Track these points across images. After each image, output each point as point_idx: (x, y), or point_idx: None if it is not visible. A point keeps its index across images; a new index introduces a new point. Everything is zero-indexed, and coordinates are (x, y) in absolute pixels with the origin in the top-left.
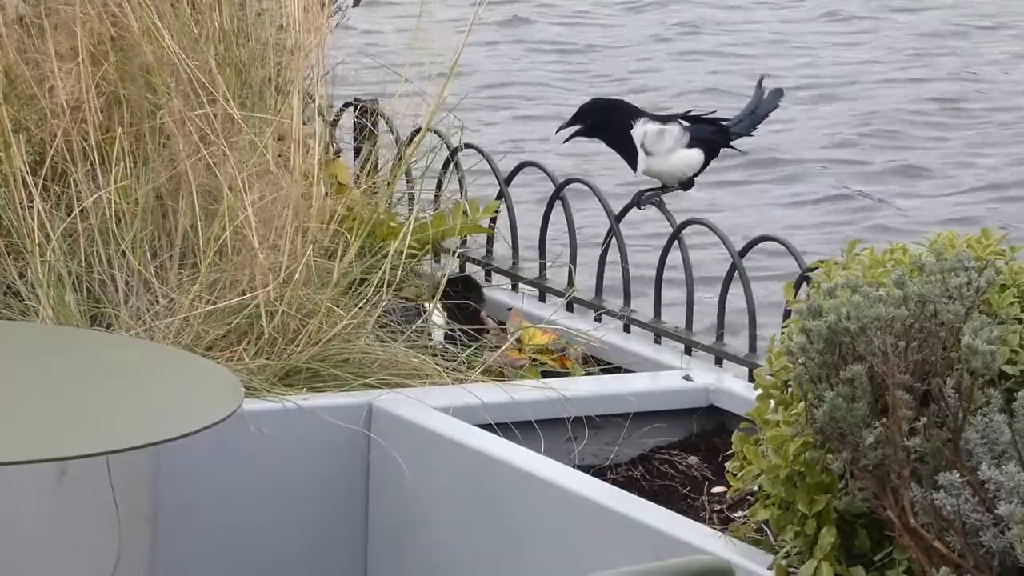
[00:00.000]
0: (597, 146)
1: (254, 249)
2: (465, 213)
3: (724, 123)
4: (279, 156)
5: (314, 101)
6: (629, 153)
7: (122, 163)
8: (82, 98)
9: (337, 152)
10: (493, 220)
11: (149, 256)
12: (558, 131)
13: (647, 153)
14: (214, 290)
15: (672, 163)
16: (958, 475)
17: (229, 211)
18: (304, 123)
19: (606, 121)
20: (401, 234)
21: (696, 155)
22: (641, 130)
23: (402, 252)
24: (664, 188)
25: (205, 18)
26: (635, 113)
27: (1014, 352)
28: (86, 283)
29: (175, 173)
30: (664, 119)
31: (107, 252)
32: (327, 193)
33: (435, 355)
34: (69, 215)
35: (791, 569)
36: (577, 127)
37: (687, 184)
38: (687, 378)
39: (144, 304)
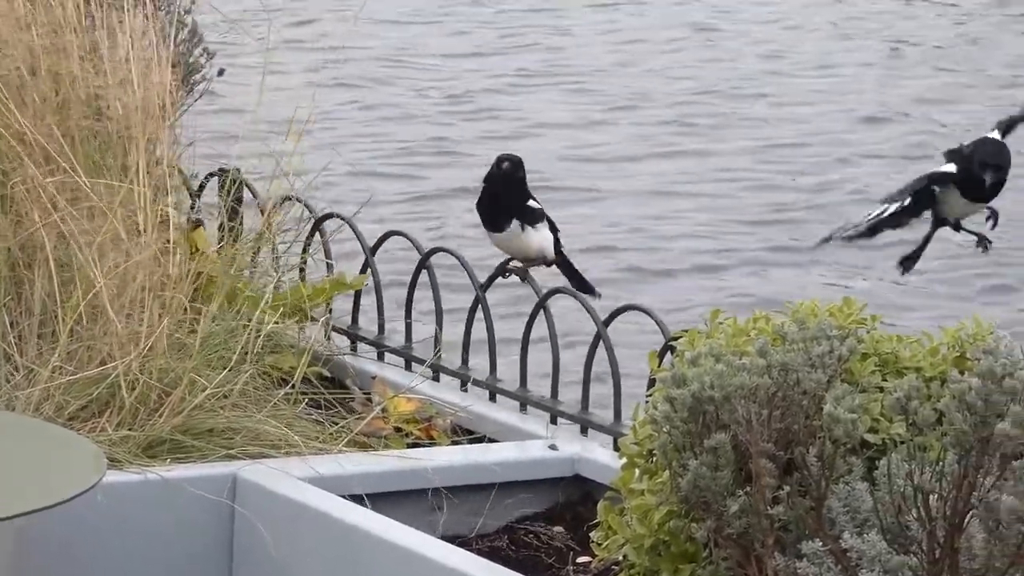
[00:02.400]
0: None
1: (111, 318)
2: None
3: None
4: (136, 224)
5: (176, 170)
6: (501, 212)
7: None
8: None
9: (199, 221)
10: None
11: (8, 326)
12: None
13: (533, 226)
14: (74, 360)
15: (547, 239)
16: (821, 543)
17: (83, 280)
18: (166, 192)
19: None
20: (263, 302)
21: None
22: (535, 205)
23: (265, 320)
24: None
25: (61, 85)
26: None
27: (875, 421)
28: None
29: (29, 242)
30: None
31: None
32: (186, 261)
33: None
34: None
35: None
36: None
37: (551, 262)
38: (552, 447)
39: (3, 375)
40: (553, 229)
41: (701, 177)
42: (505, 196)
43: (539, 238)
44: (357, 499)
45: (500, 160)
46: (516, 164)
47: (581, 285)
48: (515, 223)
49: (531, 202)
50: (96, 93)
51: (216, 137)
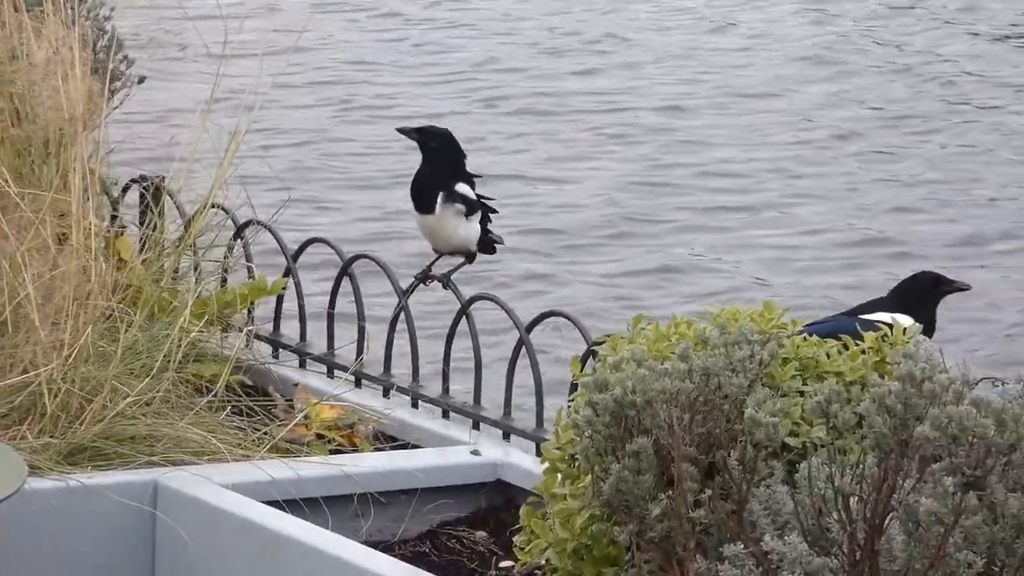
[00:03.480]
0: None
1: (35, 326)
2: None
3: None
4: (61, 233)
5: (97, 177)
6: (430, 191)
7: None
8: None
9: (122, 229)
10: (280, 297)
11: None
12: (398, 129)
13: (465, 215)
14: None
15: (473, 230)
16: (742, 546)
17: (8, 288)
18: (89, 200)
19: (442, 154)
20: (186, 310)
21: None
22: (464, 189)
23: (186, 328)
24: (462, 264)
25: None
26: (460, 171)
27: (796, 424)
28: None
29: None
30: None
31: None
32: (110, 269)
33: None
34: None
35: None
36: (416, 139)
37: (473, 256)
38: (475, 453)
39: None
40: (487, 215)
41: None
42: (432, 176)
43: (465, 228)
44: (280, 505)
45: (420, 132)
46: (430, 136)
47: (485, 246)
48: (441, 206)
49: (461, 185)
50: (17, 99)
51: (137, 144)
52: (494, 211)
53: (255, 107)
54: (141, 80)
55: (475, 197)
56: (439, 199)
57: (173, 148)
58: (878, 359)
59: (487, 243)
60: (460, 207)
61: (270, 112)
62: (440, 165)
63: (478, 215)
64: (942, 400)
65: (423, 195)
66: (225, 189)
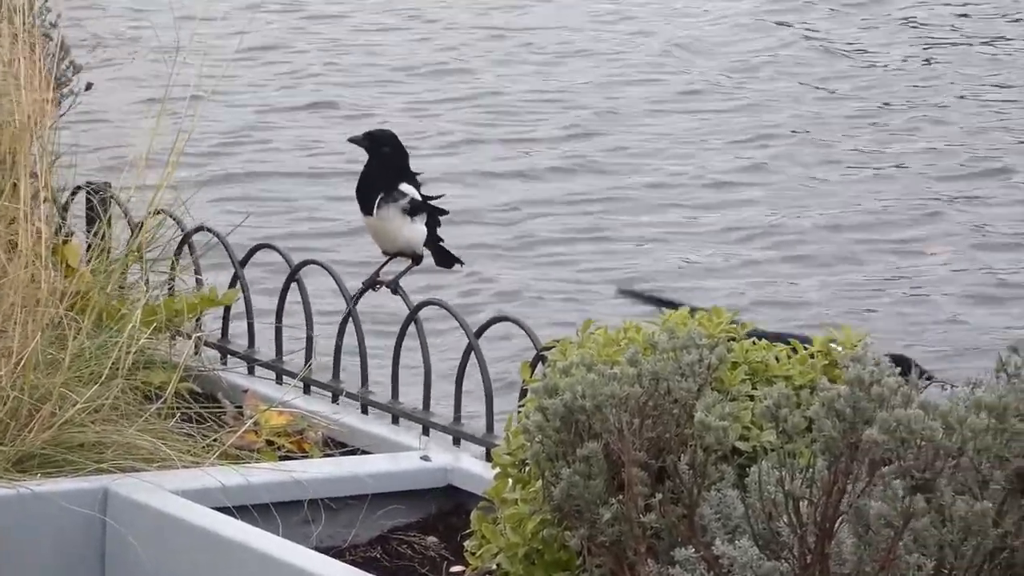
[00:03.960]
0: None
1: None
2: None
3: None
4: (8, 240)
5: (43, 184)
6: (373, 192)
7: None
8: None
9: (68, 235)
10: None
11: None
12: (349, 140)
13: (410, 216)
14: None
15: (418, 231)
16: (693, 550)
17: None
18: (36, 207)
19: (390, 156)
20: (134, 318)
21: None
22: (407, 188)
23: (135, 335)
24: (409, 268)
25: None
26: (403, 172)
27: (746, 428)
28: None
29: None
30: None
31: None
32: (58, 276)
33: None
34: None
35: None
36: (366, 147)
37: (419, 258)
38: (425, 458)
39: None
40: (435, 216)
41: None
42: (377, 176)
43: (409, 229)
44: (230, 512)
45: (370, 138)
46: (381, 141)
47: (443, 259)
48: (386, 207)
49: (405, 185)
50: None
51: (83, 150)
52: (443, 212)
53: (197, 112)
54: (88, 87)
55: (420, 197)
56: (378, 200)
57: (121, 153)
58: (827, 363)
59: (444, 254)
60: (403, 205)
61: (215, 112)
62: (385, 167)
63: (423, 216)
64: (890, 404)
65: (366, 196)
66: (172, 193)
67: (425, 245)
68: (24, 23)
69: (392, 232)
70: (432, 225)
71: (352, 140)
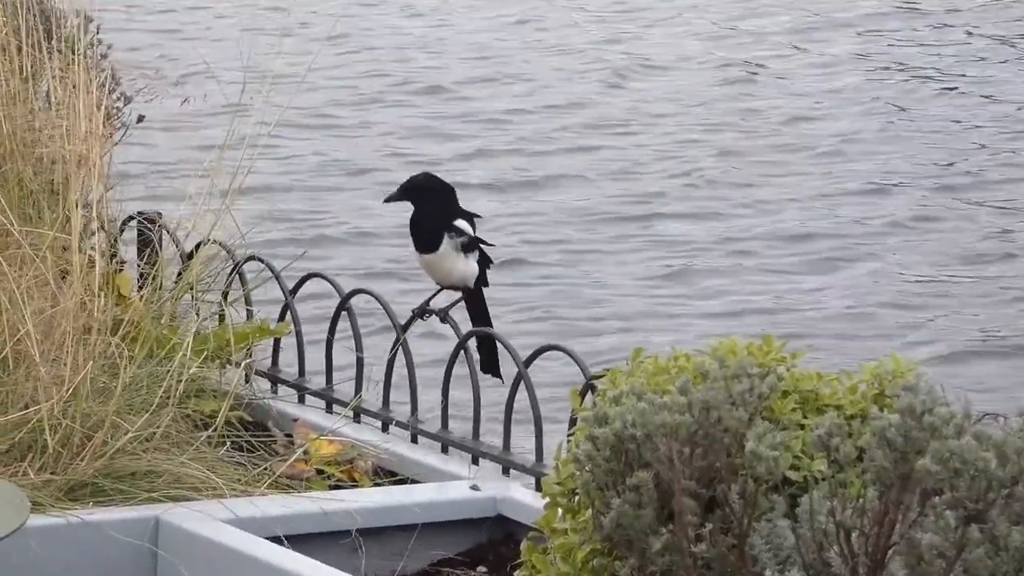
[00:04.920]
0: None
1: (35, 362)
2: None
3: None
4: (60, 270)
5: (97, 214)
6: (429, 231)
7: None
8: None
9: (121, 265)
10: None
11: None
12: (385, 201)
13: (464, 252)
14: None
15: (471, 268)
16: None
17: (8, 324)
18: (87, 236)
19: (435, 198)
20: (185, 347)
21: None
22: (463, 225)
23: (187, 365)
24: (456, 301)
25: None
26: (455, 208)
27: (797, 458)
28: None
29: None
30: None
31: None
32: (109, 305)
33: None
34: None
35: None
36: (407, 199)
37: (469, 291)
38: (475, 488)
39: None
40: (485, 261)
41: None
42: (429, 218)
43: (463, 264)
44: (279, 541)
45: (407, 190)
46: (420, 187)
47: (482, 321)
48: (445, 244)
49: (460, 222)
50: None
51: (134, 181)
52: (490, 261)
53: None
54: (140, 119)
55: (473, 234)
56: (444, 238)
57: (174, 184)
58: (877, 392)
59: (483, 279)
60: (458, 242)
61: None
62: (435, 208)
63: (476, 254)
64: (943, 433)
65: (422, 235)
66: (224, 224)
67: (475, 283)
68: (77, 54)
69: (447, 267)
70: (482, 263)
71: (389, 199)
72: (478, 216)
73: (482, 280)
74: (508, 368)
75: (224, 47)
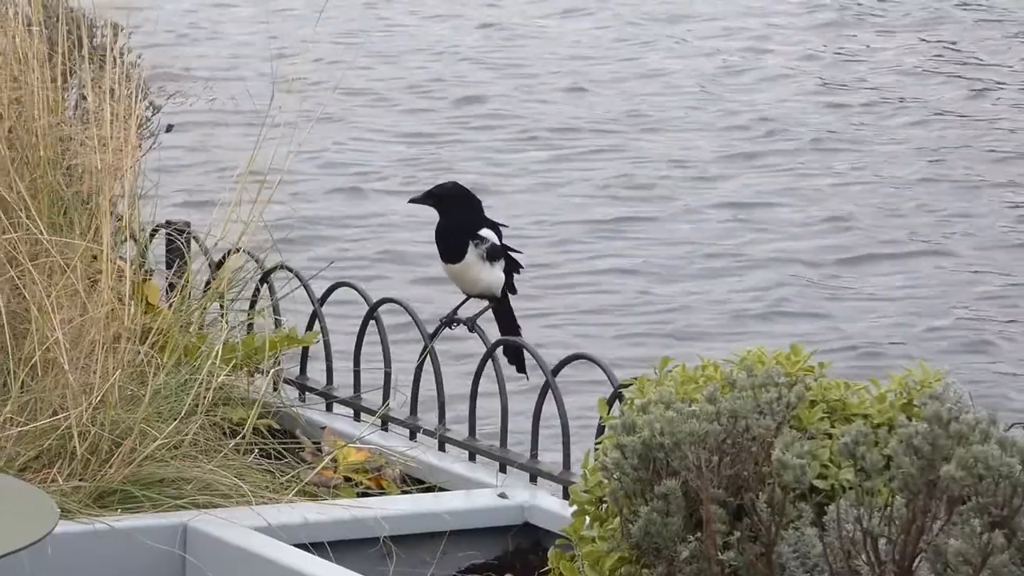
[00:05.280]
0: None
1: (64, 370)
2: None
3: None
4: (89, 278)
5: (126, 223)
6: (455, 240)
7: None
8: None
9: (149, 274)
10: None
11: None
12: (410, 202)
13: (489, 261)
14: (26, 411)
15: (496, 276)
16: None
17: (38, 332)
18: (115, 245)
19: (460, 206)
20: (214, 355)
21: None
22: (489, 234)
23: (215, 373)
24: (485, 309)
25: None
26: (481, 216)
27: (824, 467)
28: None
29: None
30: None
31: None
32: (138, 314)
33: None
34: None
35: None
36: (432, 205)
37: (496, 300)
38: (502, 496)
39: None
40: (512, 267)
41: None
42: (454, 227)
43: (488, 273)
44: (307, 548)
45: (433, 197)
46: (445, 196)
47: (509, 327)
48: (470, 252)
49: (485, 231)
50: (64, 152)
51: (165, 189)
52: (519, 266)
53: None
54: (169, 128)
55: (499, 244)
56: (469, 247)
57: (201, 193)
58: (905, 401)
59: (513, 327)
60: (483, 251)
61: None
62: (460, 215)
63: (502, 262)
64: (969, 440)
65: (448, 244)
66: (252, 233)
67: (503, 290)
68: (108, 64)
69: (472, 276)
70: (509, 271)
71: (414, 201)
72: (504, 225)
73: (510, 287)
74: (535, 379)
75: (251, 47)
